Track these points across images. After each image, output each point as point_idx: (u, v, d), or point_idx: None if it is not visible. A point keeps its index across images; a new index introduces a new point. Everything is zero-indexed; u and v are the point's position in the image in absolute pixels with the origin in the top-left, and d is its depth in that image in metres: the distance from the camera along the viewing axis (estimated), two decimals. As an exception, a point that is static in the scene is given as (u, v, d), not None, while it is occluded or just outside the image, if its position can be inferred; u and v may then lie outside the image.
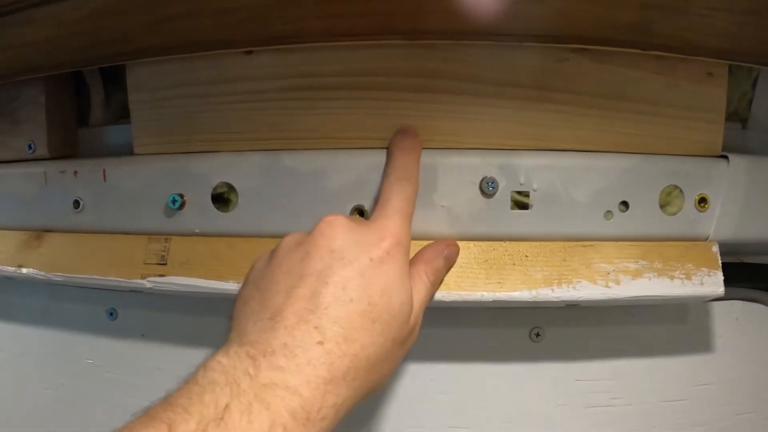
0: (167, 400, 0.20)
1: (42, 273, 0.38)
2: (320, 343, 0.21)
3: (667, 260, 0.33)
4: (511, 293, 0.31)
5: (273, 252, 0.27)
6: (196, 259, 0.34)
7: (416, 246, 0.31)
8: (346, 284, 0.23)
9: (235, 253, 0.33)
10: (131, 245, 0.36)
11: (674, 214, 0.34)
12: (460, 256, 0.32)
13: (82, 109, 0.43)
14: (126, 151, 0.38)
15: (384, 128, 0.33)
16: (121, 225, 0.37)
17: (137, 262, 0.35)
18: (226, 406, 0.19)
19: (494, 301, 0.31)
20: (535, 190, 0.32)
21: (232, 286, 0.33)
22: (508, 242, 0.32)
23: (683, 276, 0.33)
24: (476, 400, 0.36)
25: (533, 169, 0.32)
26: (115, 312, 0.41)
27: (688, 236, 0.34)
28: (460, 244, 0.32)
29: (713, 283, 0.33)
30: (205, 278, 0.33)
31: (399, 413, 0.37)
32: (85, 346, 0.42)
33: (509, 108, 0.32)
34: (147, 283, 0.35)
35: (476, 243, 0.32)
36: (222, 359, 0.21)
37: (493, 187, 0.32)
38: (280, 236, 0.33)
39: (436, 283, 0.29)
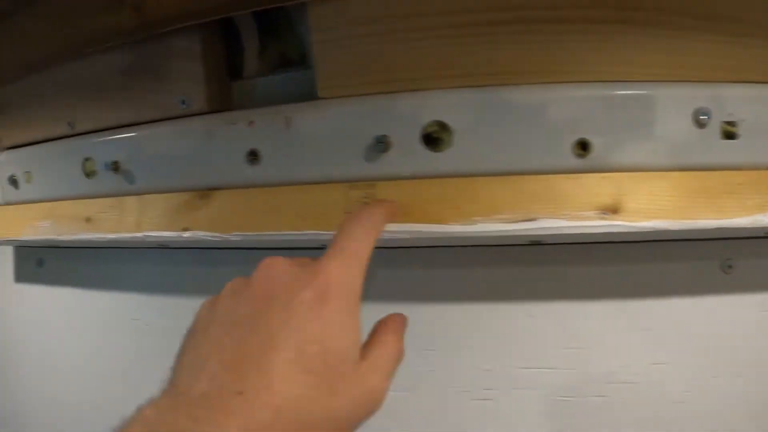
0: None
1: (213, 234, 0.35)
2: (240, 393, 0.20)
3: None
4: (730, 220, 0.32)
5: (214, 299, 0.26)
6: (410, 204, 0.33)
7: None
8: (273, 331, 0.22)
9: (458, 194, 0.32)
10: (325, 195, 0.34)
11: None
12: (676, 187, 0.33)
13: (233, 61, 0.40)
14: (282, 101, 0.36)
15: (601, 62, 0.33)
16: (310, 175, 0.34)
17: (337, 212, 0.33)
18: None
19: (717, 229, 0.32)
20: (743, 120, 0.33)
21: (457, 229, 0.32)
22: (721, 171, 0.33)
23: None
24: (675, 335, 0.37)
25: (739, 100, 0.33)
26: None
27: None
28: (677, 174, 0.33)
29: None
30: (426, 222, 0.32)
31: (600, 351, 0.37)
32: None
33: (713, 42, 0.34)
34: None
35: (692, 173, 0.33)
36: (148, 409, 0.21)
37: (706, 118, 0.33)
38: (498, 174, 0.33)
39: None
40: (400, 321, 0.27)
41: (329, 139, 0.34)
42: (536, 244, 0.37)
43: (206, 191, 0.37)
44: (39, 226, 0.46)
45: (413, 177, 0.33)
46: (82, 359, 0.52)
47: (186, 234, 0.36)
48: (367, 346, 0.24)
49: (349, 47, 0.34)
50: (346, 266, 0.24)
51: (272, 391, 0.20)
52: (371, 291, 0.37)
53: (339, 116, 0.34)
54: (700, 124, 0.33)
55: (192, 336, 0.24)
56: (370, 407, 0.24)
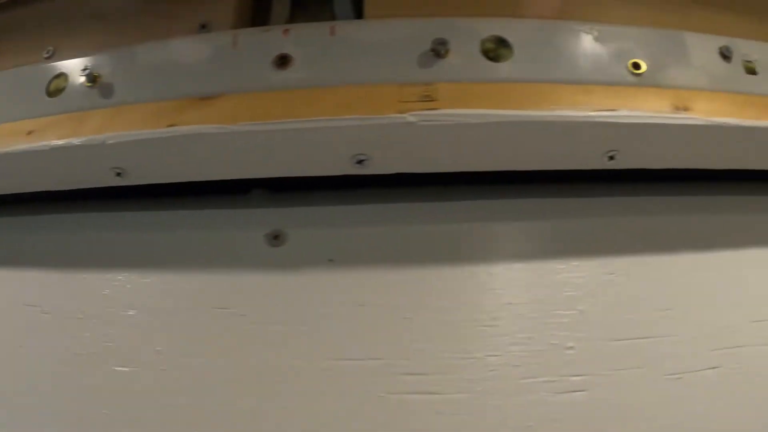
0: None
1: (212, 126, 0.27)
2: None
3: None
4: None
5: None
6: (472, 96, 0.28)
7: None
8: None
9: (532, 91, 0.29)
10: (374, 90, 0.28)
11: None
12: (725, 100, 0.33)
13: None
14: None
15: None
16: (354, 79, 0.29)
17: (391, 101, 0.27)
18: None
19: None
20: (756, 60, 0.37)
21: (536, 114, 0.27)
22: (757, 96, 0.34)
23: None
24: None
25: (748, 47, 0.37)
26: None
27: None
28: (721, 94, 0.33)
29: None
30: (500, 109, 0.27)
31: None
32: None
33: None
34: (410, 118, 0.27)
35: (733, 94, 0.34)
36: None
37: (729, 52, 0.36)
38: (564, 83, 0.31)
39: None
40: None
41: (380, 45, 0.31)
42: (608, 170, 0.31)
43: (209, 97, 0.29)
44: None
45: (472, 81, 0.30)
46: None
47: (171, 130, 0.27)
48: None
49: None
50: None
51: None
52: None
53: (396, 27, 0.31)
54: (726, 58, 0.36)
55: None
56: None
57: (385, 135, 0.28)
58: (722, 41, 0.37)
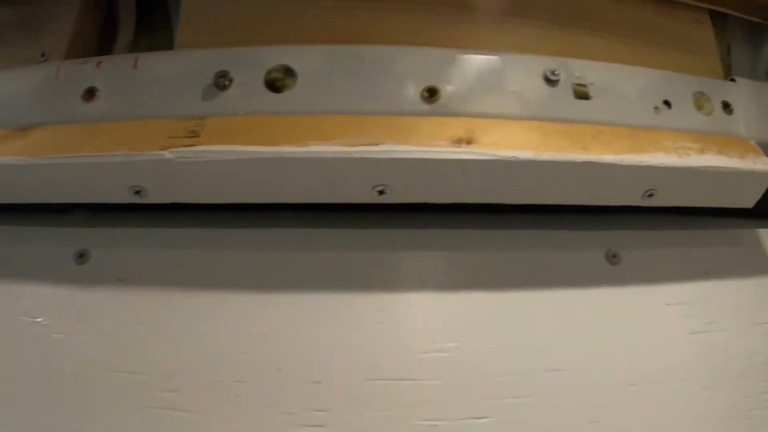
0: None
1: (18, 158, 0.30)
2: None
3: (719, 145, 0.34)
4: (597, 156, 0.30)
5: None
6: (239, 130, 0.29)
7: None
8: None
9: (295, 124, 0.29)
10: (153, 126, 0.30)
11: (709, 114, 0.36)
12: (535, 129, 0.31)
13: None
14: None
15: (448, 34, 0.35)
16: (146, 112, 0.31)
17: (158, 138, 0.29)
18: None
19: (584, 163, 0.29)
20: (592, 84, 0.34)
21: (287, 150, 0.28)
22: (580, 124, 0.32)
23: (737, 156, 0.34)
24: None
25: (586, 68, 0.34)
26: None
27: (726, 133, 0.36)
28: (533, 122, 0.31)
29: (764, 163, 0.34)
30: (255, 144, 0.28)
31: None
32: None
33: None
34: (168, 155, 0.28)
35: (549, 123, 0.32)
36: None
37: (556, 76, 0.33)
38: (343, 114, 0.31)
39: None
40: None
41: (173, 77, 0.32)
42: (381, 201, 0.31)
43: (27, 128, 0.33)
44: None
45: (250, 113, 0.31)
46: None
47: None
48: None
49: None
50: None
51: None
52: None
53: (187, 59, 0.33)
54: (551, 82, 0.34)
55: None
56: None
57: (151, 170, 0.30)
58: (551, 63, 0.34)
